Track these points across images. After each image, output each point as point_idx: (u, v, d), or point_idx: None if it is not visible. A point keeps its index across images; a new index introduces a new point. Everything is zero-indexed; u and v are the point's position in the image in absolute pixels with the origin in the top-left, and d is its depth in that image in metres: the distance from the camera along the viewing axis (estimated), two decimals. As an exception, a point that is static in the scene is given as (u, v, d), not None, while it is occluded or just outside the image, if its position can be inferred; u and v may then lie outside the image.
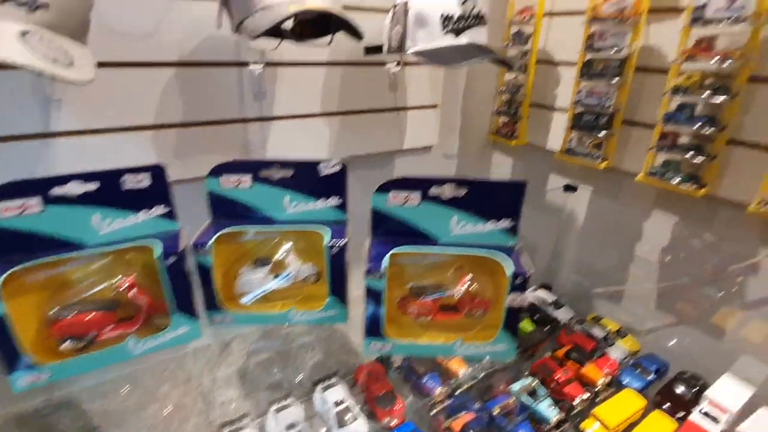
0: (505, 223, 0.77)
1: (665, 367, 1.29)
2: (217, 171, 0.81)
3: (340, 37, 1.29)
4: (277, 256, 0.81)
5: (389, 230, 0.80)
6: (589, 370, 1.22)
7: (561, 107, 1.49)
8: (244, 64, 1.18)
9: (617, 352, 1.34)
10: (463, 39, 1.05)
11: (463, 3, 1.05)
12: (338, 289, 0.82)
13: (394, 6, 1.11)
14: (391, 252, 0.74)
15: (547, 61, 1.52)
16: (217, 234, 0.77)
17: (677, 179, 1.14)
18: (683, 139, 1.14)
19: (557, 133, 1.47)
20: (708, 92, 1.04)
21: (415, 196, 0.75)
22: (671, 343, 1.41)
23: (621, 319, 1.52)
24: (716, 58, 1.01)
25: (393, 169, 1.68)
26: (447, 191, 0.73)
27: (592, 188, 1.54)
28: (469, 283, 0.80)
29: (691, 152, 1.10)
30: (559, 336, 1.41)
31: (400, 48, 1.10)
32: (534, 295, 1.60)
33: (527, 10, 1.44)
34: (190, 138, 1.20)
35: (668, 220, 1.33)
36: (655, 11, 1.18)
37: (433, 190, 0.76)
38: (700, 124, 1.06)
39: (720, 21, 0.99)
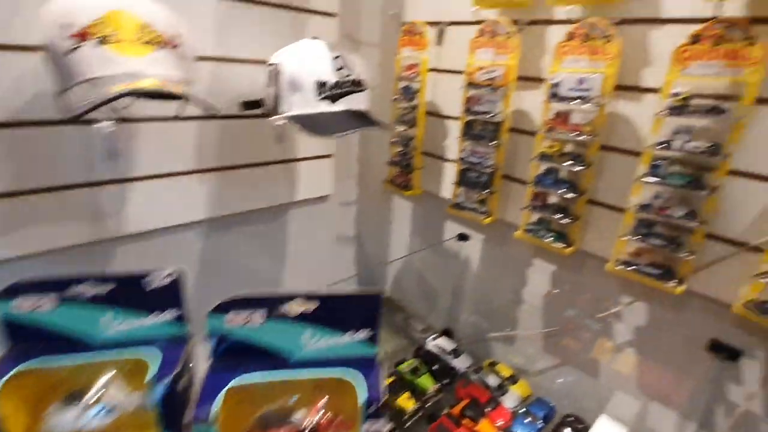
0: (363, 334, 0.72)
1: (552, 411, 1.35)
2: (11, 291, 0.64)
3: (218, 87, 1.18)
4: (95, 388, 0.65)
5: (232, 351, 0.70)
6: (483, 427, 1.23)
7: (451, 159, 1.54)
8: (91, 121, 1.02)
9: (510, 399, 1.38)
10: (340, 106, 1.02)
11: (338, 70, 1.02)
12: (172, 425, 0.67)
13: (268, 65, 1.05)
14: (227, 387, 0.65)
15: (436, 113, 1.57)
16: (11, 372, 0.60)
17: (549, 237, 1.22)
18: (552, 199, 1.23)
19: (449, 183, 1.51)
20: (568, 161, 1.13)
21: (258, 316, 0.67)
22: (559, 381, 1.49)
23: (514, 361, 1.58)
24: (572, 131, 1.11)
25: (285, 223, 1.59)
26: (295, 308, 0.67)
27: (483, 236, 1.60)
28: (323, 410, 0.72)
29: (559, 214, 1.19)
30: (456, 388, 1.42)
31: (276, 110, 1.04)
32: (434, 344, 1.60)
33: (414, 66, 1.47)
34: (23, 208, 0.99)
35: (547, 267, 1.43)
36: (523, 79, 1.27)
37: (281, 308, 0.68)
38: (563, 189, 1.15)
39: (572, 99, 1.09)
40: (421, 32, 1.41)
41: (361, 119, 1.05)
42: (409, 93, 1.50)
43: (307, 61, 1.01)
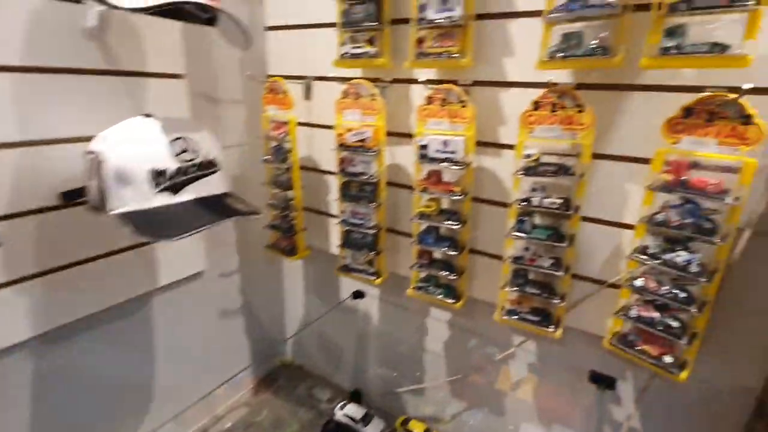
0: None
1: (466, 461, 1.34)
2: None
3: (30, 175, 0.95)
4: None
5: None
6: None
7: (336, 215, 1.47)
8: None
9: (426, 459, 1.33)
10: (186, 195, 0.87)
11: (179, 154, 0.87)
12: None
13: (87, 152, 0.86)
14: None
15: (314, 168, 1.49)
16: None
17: (439, 293, 1.22)
18: (437, 255, 1.23)
19: (337, 240, 1.44)
20: (446, 219, 1.14)
21: None
22: (470, 424, 1.50)
23: (426, 412, 1.56)
24: (445, 191, 1.12)
25: (151, 314, 1.35)
26: None
27: (379, 292, 1.56)
28: None
29: (445, 271, 1.19)
30: (371, 463, 1.33)
31: (104, 205, 0.85)
32: (343, 413, 1.49)
33: (282, 126, 1.38)
34: None
35: (444, 317, 1.43)
36: (395, 135, 1.27)
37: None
38: (445, 247, 1.16)
39: (440, 160, 1.10)
40: (284, 90, 1.33)
41: (218, 206, 0.91)
42: (281, 153, 1.40)
43: (136, 147, 0.84)
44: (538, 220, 1.09)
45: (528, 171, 1.01)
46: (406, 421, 1.48)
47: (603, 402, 1.18)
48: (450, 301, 1.20)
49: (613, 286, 1.07)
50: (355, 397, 1.63)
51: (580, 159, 0.97)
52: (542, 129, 0.99)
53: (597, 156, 1.02)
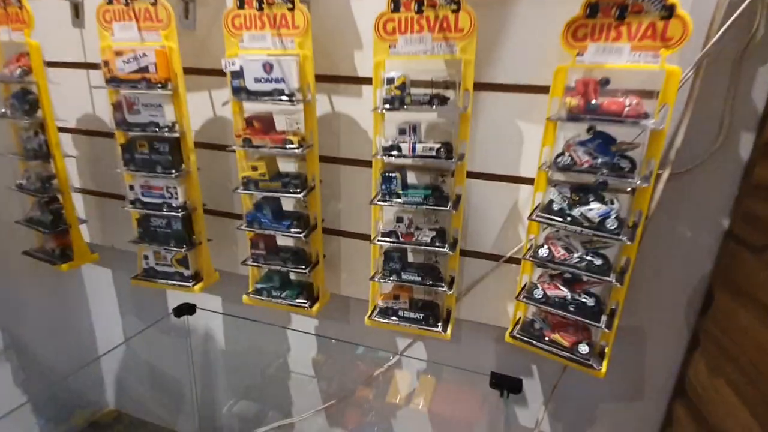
0: None
1: None
2: None
3: None
4: None
5: None
6: None
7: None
8: None
9: None
10: None
11: None
12: None
13: None
14: None
15: (94, 131, 1.00)
16: None
17: (286, 295, 0.84)
18: (280, 242, 0.85)
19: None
20: (284, 187, 0.77)
21: None
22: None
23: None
24: (276, 142, 0.74)
25: None
26: None
27: (220, 298, 1.13)
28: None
29: (294, 262, 0.82)
30: None
31: None
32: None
33: (23, 57, 0.86)
34: None
35: (309, 324, 1.07)
36: (200, 72, 0.85)
37: None
38: (286, 225, 0.79)
39: (264, 94, 0.72)
40: (20, 2, 0.82)
41: None
42: (23, 102, 0.88)
43: None
44: (412, 177, 0.78)
45: (392, 103, 0.69)
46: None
47: (508, 408, 0.94)
48: (301, 304, 0.83)
49: (513, 261, 0.82)
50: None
51: (463, 83, 0.68)
52: (407, 40, 0.67)
53: (481, 86, 0.74)
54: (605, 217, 0.64)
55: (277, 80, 0.71)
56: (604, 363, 0.71)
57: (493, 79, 0.74)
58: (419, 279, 0.76)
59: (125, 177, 0.84)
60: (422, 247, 0.74)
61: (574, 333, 0.74)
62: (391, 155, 0.71)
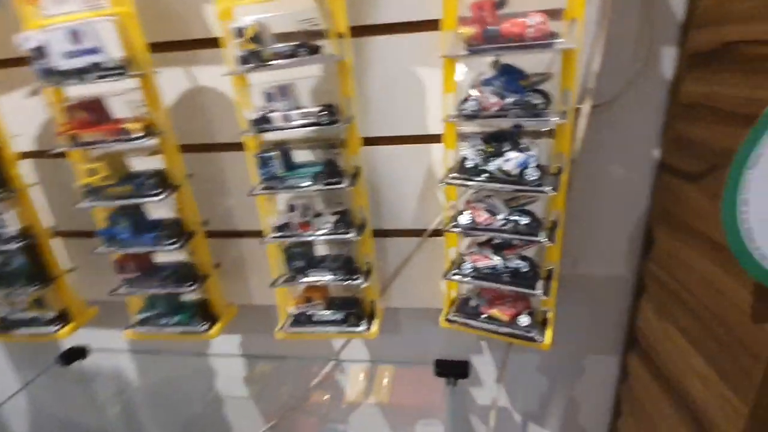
0: None
1: None
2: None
3: None
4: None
5: None
6: None
7: None
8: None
9: None
10: None
11: None
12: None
13: None
14: None
15: None
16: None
17: (176, 321, 0.69)
18: (156, 259, 0.70)
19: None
20: (135, 190, 0.60)
21: None
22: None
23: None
24: (113, 134, 0.57)
25: None
26: None
27: (123, 340, 0.95)
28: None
29: (178, 281, 0.66)
30: None
31: None
32: None
33: None
34: None
35: (232, 342, 0.93)
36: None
37: None
38: (153, 237, 0.63)
39: (78, 73, 0.55)
40: None
41: None
42: None
43: None
44: (304, 155, 0.64)
45: (247, 60, 0.53)
46: None
47: (459, 393, 0.85)
48: (195, 330, 0.69)
49: (438, 234, 0.71)
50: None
51: (334, 25, 0.54)
52: (253, -22, 0.52)
53: (364, 30, 0.61)
54: (524, 167, 0.54)
55: (91, 51, 0.53)
56: (548, 333, 0.62)
57: (376, 19, 0.60)
58: (330, 275, 0.64)
59: (-70, 209, 0.64)
60: (323, 237, 0.61)
61: (512, 304, 0.65)
62: (264, 130, 0.56)
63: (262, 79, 0.55)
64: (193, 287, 0.65)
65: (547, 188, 0.52)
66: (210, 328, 0.68)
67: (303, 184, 0.58)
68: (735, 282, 0.50)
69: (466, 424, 0.89)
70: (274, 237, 0.62)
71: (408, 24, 0.60)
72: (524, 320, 0.63)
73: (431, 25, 0.58)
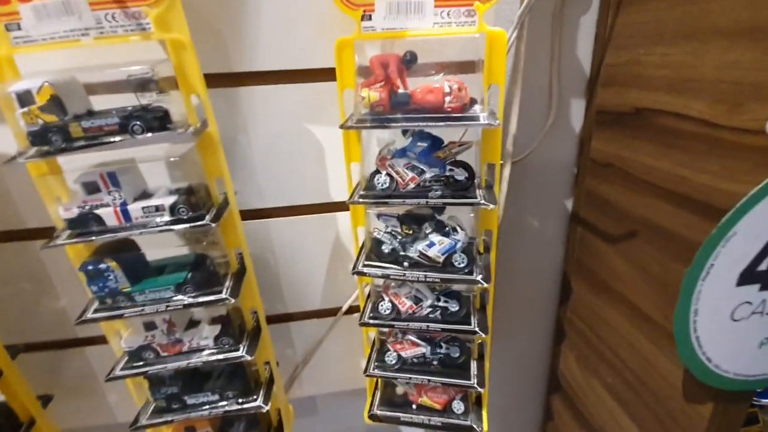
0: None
1: None
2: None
3: None
4: None
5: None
6: None
7: None
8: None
9: None
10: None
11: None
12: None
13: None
14: None
15: None
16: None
17: None
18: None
19: None
20: None
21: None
22: None
23: None
24: None
25: None
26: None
27: None
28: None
29: None
30: None
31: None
32: None
33: None
34: None
35: None
36: None
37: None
38: None
39: None
40: None
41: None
42: None
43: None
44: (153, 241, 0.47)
45: (41, 141, 0.35)
46: None
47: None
48: None
49: (354, 310, 0.60)
50: None
51: (182, 81, 0.38)
52: (40, 12, 0.34)
53: (239, 78, 0.46)
54: (451, 252, 0.45)
55: None
56: (484, 415, 0.56)
57: (251, 66, 0.46)
58: (215, 400, 0.48)
59: None
60: (204, 360, 0.45)
61: (444, 390, 0.57)
62: (87, 234, 0.38)
63: (79, 162, 0.37)
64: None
65: (478, 277, 0.45)
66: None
67: (163, 301, 0.41)
68: (666, 358, 0.48)
69: None
70: (129, 369, 0.44)
71: (298, 72, 0.47)
72: (459, 407, 0.55)
73: (327, 73, 0.46)
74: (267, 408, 0.48)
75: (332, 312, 0.60)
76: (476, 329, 0.48)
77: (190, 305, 0.41)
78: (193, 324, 0.47)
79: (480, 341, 0.54)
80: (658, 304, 0.48)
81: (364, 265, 0.47)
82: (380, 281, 0.53)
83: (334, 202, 0.54)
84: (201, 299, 0.42)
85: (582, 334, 0.65)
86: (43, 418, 0.49)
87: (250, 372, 0.51)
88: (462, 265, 0.45)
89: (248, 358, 0.45)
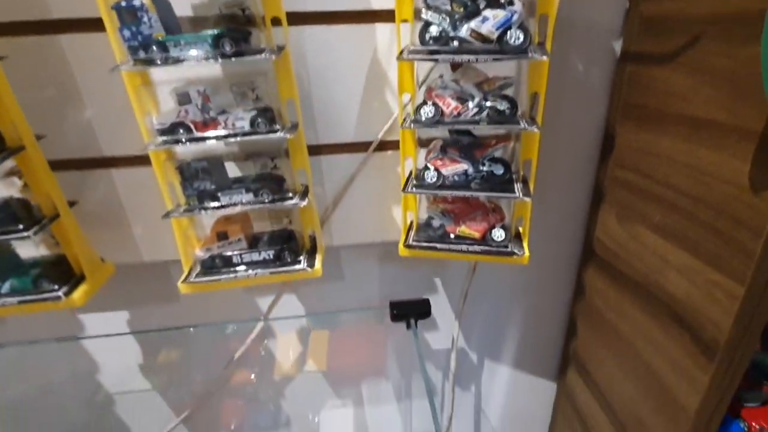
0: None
1: None
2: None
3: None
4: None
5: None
6: None
7: None
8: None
9: None
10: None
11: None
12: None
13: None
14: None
15: None
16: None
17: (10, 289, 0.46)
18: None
19: None
20: None
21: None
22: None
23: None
24: None
25: None
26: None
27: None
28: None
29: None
30: None
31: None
32: None
33: None
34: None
35: (104, 321, 0.69)
36: None
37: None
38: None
39: None
40: None
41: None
42: None
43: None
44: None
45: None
46: None
47: (418, 339, 0.75)
48: (48, 295, 0.46)
49: (386, 146, 0.57)
50: None
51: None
52: None
53: None
54: (505, 27, 0.42)
55: None
56: (525, 245, 0.54)
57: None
58: (251, 196, 0.46)
59: None
60: (237, 139, 0.43)
61: (483, 218, 0.54)
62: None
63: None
64: (29, 232, 0.42)
65: (535, 54, 0.41)
66: (70, 291, 0.46)
67: (200, 53, 0.38)
68: (725, 155, 0.45)
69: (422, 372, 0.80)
70: (159, 146, 0.42)
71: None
72: (499, 234, 0.53)
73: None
74: (304, 203, 0.46)
75: (362, 147, 0.57)
76: (524, 124, 0.45)
77: (229, 56, 0.38)
78: (224, 112, 0.44)
79: (525, 159, 0.51)
80: (724, 103, 0.45)
81: (409, 53, 0.44)
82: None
83: (373, 10, 0.50)
84: (238, 58, 0.39)
85: (628, 185, 0.61)
86: (69, 217, 0.47)
87: (287, 177, 0.48)
88: (518, 43, 0.42)
89: (287, 136, 0.42)
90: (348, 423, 0.87)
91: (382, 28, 0.52)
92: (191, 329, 0.67)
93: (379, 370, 0.80)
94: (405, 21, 0.45)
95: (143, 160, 0.50)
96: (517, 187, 0.50)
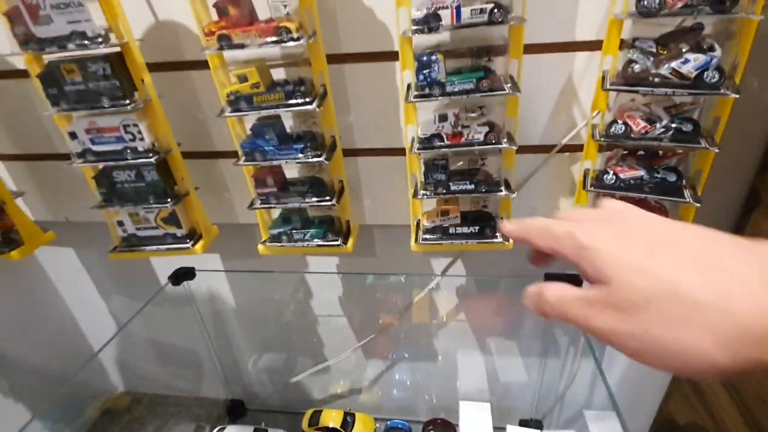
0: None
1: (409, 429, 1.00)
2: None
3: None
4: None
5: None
6: None
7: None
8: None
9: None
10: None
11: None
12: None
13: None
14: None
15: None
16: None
17: (309, 236, 0.70)
18: (292, 173, 0.69)
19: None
20: (287, 98, 0.58)
21: None
22: (397, 378, 1.14)
23: (339, 391, 1.14)
24: (266, 34, 0.54)
25: None
26: None
27: (220, 257, 0.96)
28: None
29: (310, 196, 0.66)
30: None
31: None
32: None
33: None
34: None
35: (329, 264, 0.95)
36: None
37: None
38: (299, 152, 0.61)
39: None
40: None
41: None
42: None
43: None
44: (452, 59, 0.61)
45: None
46: (315, 416, 1.04)
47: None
48: (333, 242, 0.70)
49: (568, 149, 0.71)
50: (236, 410, 1.11)
51: None
52: None
53: None
54: (704, 69, 0.52)
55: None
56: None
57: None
58: (472, 187, 0.64)
59: (58, 121, 0.61)
60: (475, 148, 0.60)
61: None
62: (427, 30, 0.53)
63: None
64: (331, 202, 0.65)
65: (727, 90, 0.52)
66: (345, 242, 0.69)
67: (465, 89, 0.56)
68: None
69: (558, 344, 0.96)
70: (423, 148, 0.61)
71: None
72: (661, 229, 0.65)
73: None
74: (505, 193, 0.63)
75: (547, 149, 0.71)
76: (704, 143, 0.56)
77: (485, 94, 0.55)
78: (465, 126, 0.62)
79: (696, 170, 0.61)
80: None
81: (613, 84, 0.56)
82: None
83: (576, 41, 0.63)
84: (492, 93, 0.56)
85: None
86: (347, 191, 0.70)
87: (495, 174, 0.65)
88: (714, 81, 0.52)
89: (509, 147, 0.59)
90: (480, 368, 1.06)
91: (580, 56, 0.64)
92: (390, 277, 0.91)
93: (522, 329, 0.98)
94: (609, 54, 0.57)
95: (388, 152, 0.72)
96: (687, 193, 0.61)
